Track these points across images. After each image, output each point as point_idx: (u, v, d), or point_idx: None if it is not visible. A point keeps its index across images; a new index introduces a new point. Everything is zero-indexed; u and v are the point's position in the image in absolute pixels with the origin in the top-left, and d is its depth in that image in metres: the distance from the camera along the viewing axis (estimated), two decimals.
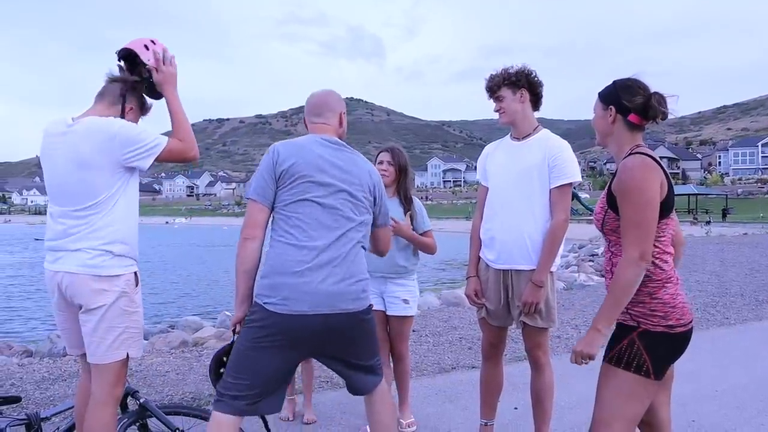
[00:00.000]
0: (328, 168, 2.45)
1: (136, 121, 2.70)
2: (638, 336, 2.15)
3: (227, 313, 8.68)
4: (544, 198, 3.07)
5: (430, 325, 6.96)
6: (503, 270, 3.12)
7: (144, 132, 2.52)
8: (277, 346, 2.32)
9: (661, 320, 2.14)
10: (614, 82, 2.34)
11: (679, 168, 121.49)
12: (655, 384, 2.17)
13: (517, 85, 3.09)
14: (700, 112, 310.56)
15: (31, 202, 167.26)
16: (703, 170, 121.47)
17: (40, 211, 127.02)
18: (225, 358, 2.46)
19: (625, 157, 2.22)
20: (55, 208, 2.55)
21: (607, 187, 2.25)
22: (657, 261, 2.18)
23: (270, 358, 2.33)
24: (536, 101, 3.18)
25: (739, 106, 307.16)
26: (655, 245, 2.16)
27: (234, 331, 2.48)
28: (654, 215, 2.11)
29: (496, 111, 3.17)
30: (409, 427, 3.72)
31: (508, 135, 3.29)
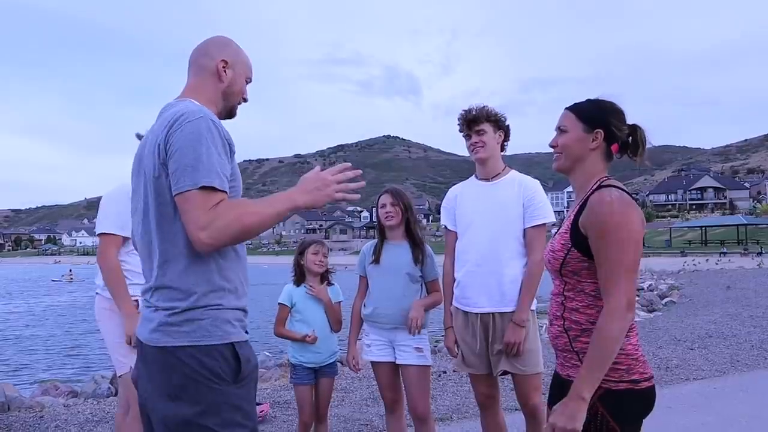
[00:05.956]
0: None
1: None
2: (600, 400, 1.82)
3: (267, 353, 8.69)
4: (522, 238, 3.06)
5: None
6: (482, 314, 3.05)
7: None
8: None
9: (624, 375, 1.85)
10: (597, 101, 2.05)
11: (726, 198, 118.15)
12: None
13: (498, 125, 3.14)
14: (746, 140, 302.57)
15: (80, 243, 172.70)
16: (751, 199, 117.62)
17: (87, 252, 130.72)
18: None
19: (593, 190, 1.95)
20: None
21: (570, 222, 1.96)
22: None
23: None
24: (503, 146, 3.22)
25: None
26: None
27: None
28: (639, 257, 1.85)
29: (474, 144, 3.11)
30: None
31: (473, 176, 3.28)
